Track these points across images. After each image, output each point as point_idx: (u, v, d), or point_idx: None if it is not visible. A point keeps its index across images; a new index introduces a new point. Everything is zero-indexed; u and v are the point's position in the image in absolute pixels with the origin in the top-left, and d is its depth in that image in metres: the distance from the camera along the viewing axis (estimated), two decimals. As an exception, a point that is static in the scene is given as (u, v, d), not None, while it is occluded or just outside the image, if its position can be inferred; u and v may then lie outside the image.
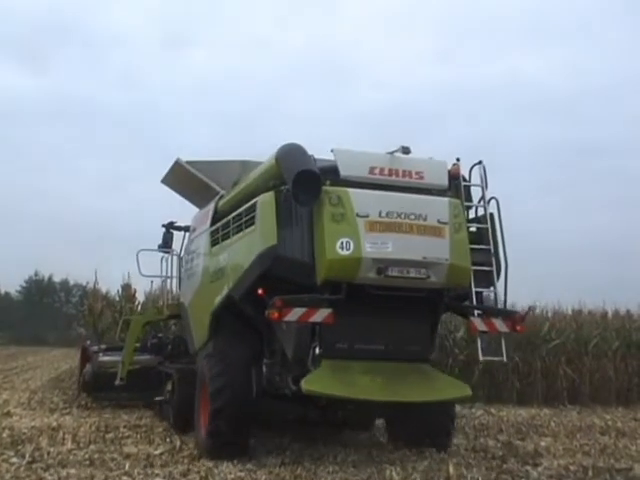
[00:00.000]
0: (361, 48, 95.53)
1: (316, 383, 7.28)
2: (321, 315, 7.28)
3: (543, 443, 9.77)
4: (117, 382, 11.61)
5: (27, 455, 7.53)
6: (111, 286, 18.62)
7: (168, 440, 8.87)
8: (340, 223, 7.37)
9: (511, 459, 8.37)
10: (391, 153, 7.89)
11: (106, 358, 12.56)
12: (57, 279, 73.91)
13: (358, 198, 7.48)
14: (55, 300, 74.63)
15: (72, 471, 6.84)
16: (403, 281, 7.40)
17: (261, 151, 8.94)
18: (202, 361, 8.82)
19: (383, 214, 7.45)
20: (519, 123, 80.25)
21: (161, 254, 12.15)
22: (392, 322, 7.67)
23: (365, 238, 7.30)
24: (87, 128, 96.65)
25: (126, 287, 17.71)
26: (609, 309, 18.84)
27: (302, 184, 7.32)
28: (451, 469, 7.47)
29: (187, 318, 10.55)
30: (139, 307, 17.11)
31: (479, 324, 7.97)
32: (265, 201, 7.81)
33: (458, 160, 8.46)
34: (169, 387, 10.32)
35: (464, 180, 8.43)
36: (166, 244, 12.16)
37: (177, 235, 12.19)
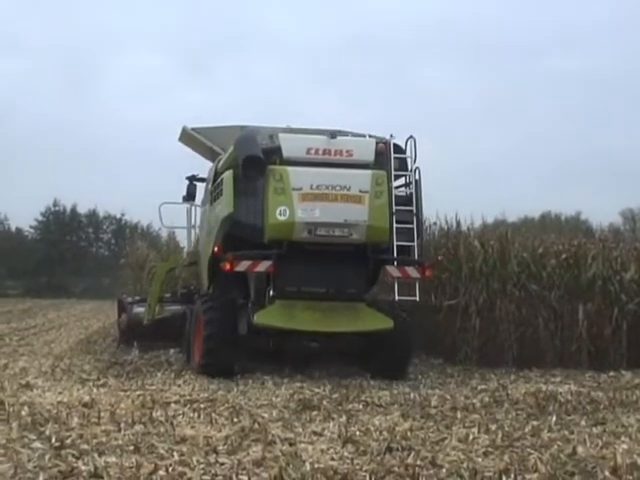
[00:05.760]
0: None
1: (265, 317, 10.05)
2: (264, 266, 10.04)
3: None
4: (145, 322, 13.60)
5: (53, 438, 6.40)
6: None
7: (235, 419, 7.46)
8: (280, 195, 9.99)
9: None
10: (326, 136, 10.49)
11: (140, 309, 14.05)
12: (82, 210, 56.05)
13: (295, 175, 10.05)
14: (81, 237, 57.89)
15: (112, 459, 5.81)
16: (330, 239, 10.08)
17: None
18: (198, 301, 11.48)
19: (314, 187, 9.99)
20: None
21: (186, 205, 13.91)
22: (331, 270, 10.30)
23: (298, 207, 9.94)
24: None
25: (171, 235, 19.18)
26: None
27: (249, 165, 9.96)
28: (619, 457, 5.90)
29: (199, 265, 12.88)
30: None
31: (394, 271, 10.42)
32: (227, 177, 10.57)
33: (391, 136, 10.84)
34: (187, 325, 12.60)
35: (399, 152, 10.89)
36: (190, 196, 13.78)
37: (200, 187, 13.56)
